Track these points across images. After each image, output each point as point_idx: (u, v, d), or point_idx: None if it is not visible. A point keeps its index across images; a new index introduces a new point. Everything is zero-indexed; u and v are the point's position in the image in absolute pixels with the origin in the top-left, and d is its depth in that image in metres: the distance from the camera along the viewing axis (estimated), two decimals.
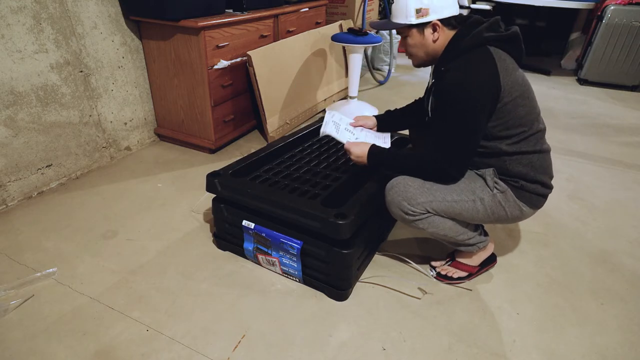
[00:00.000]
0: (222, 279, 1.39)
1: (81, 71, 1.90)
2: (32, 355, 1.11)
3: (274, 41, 2.45)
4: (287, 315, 1.25)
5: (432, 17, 1.15)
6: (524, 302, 1.32)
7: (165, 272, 1.41)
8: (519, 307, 1.30)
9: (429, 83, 1.32)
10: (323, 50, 2.79)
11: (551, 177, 1.23)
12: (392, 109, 1.57)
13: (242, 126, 2.41)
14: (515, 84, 1.11)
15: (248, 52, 2.12)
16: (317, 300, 1.31)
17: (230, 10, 2.20)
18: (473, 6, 4.17)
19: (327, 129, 1.42)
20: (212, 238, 1.58)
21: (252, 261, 1.46)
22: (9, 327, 1.19)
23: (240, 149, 2.32)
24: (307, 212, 1.21)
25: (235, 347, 1.14)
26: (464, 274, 1.38)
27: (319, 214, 1.19)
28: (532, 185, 1.19)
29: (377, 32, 3.59)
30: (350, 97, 2.78)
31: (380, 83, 3.49)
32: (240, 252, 1.46)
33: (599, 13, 3.47)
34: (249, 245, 1.40)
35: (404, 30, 1.22)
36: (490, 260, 1.42)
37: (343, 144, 1.37)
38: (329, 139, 1.76)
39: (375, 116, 1.55)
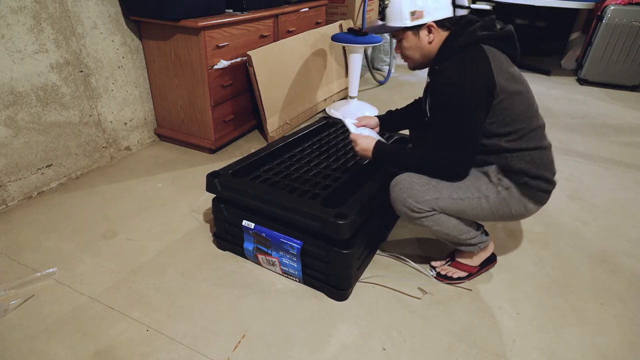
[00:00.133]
0: (222, 279, 1.39)
1: (81, 71, 1.90)
2: (32, 355, 1.11)
3: (274, 41, 2.45)
4: (287, 315, 1.25)
5: (427, 19, 1.16)
6: (524, 302, 1.32)
7: (165, 272, 1.41)
8: (519, 307, 1.30)
9: (426, 83, 1.32)
10: (323, 50, 2.79)
11: (553, 173, 1.23)
12: (393, 109, 1.57)
13: (242, 126, 2.41)
14: (510, 81, 1.12)
15: (248, 52, 2.12)
16: (317, 300, 1.31)
17: (230, 10, 2.20)
18: (473, 6, 4.17)
19: (344, 117, 1.46)
20: (212, 238, 1.58)
21: (252, 261, 1.46)
22: (9, 327, 1.19)
23: (240, 149, 2.32)
24: (307, 212, 1.21)
25: (235, 347, 1.14)
26: (464, 274, 1.38)
27: (319, 214, 1.19)
28: (535, 182, 1.18)
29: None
30: (350, 97, 2.78)
31: (380, 83, 3.49)
32: (240, 252, 1.46)
33: (599, 13, 3.47)
34: (249, 245, 1.40)
35: (399, 33, 1.23)
36: (490, 261, 1.42)
37: (349, 136, 1.38)
38: (329, 138, 1.76)
39: (377, 116, 1.55)
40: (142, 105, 2.25)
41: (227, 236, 1.47)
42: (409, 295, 1.33)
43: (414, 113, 1.50)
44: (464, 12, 3.85)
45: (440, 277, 1.39)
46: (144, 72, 2.20)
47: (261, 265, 1.44)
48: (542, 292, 1.36)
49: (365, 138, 1.32)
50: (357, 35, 2.48)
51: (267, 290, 1.34)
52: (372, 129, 1.53)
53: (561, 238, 1.63)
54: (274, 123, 2.37)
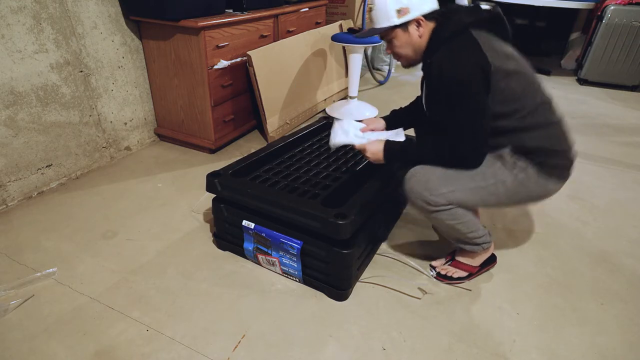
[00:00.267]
0: (222, 279, 1.39)
1: (81, 71, 1.90)
2: (32, 355, 1.11)
3: (274, 41, 2.45)
4: (287, 315, 1.25)
5: (414, 14, 1.17)
6: (524, 302, 1.32)
7: (165, 272, 1.41)
8: (519, 307, 1.30)
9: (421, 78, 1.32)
10: (323, 50, 2.79)
11: (570, 146, 1.20)
12: (396, 108, 1.56)
13: (242, 126, 2.41)
14: (505, 60, 1.11)
15: (248, 52, 2.12)
16: (317, 300, 1.31)
17: (230, 10, 2.20)
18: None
19: (336, 139, 1.40)
20: (212, 238, 1.58)
21: (252, 261, 1.46)
22: (9, 327, 1.19)
23: (240, 149, 2.32)
24: (307, 212, 1.21)
25: (235, 347, 1.14)
26: (464, 273, 1.38)
27: (319, 214, 1.19)
28: (552, 158, 1.16)
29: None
30: (350, 97, 2.78)
31: (380, 83, 3.49)
32: (240, 252, 1.46)
33: (599, 13, 3.47)
34: (249, 245, 1.40)
35: (388, 33, 1.22)
36: (490, 261, 1.42)
37: (355, 148, 1.36)
38: (328, 138, 1.75)
39: (383, 117, 1.54)
40: (142, 105, 2.25)
41: (227, 236, 1.47)
42: (409, 295, 1.33)
43: (418, 110, 1.49)
44: None
45: (440, 277, 1.39)
46: (144, 72, 2.20)
47: (261, 265, 1.44)
48: (542, 292, 1.36)
49: (372, 143, 1.30)
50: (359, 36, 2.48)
51: (267, 290, 1.34)
52: (380, 131, 1.50)
53: (561, 238, 1.63)
54: (274, 123, 2.37)
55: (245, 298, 1.31)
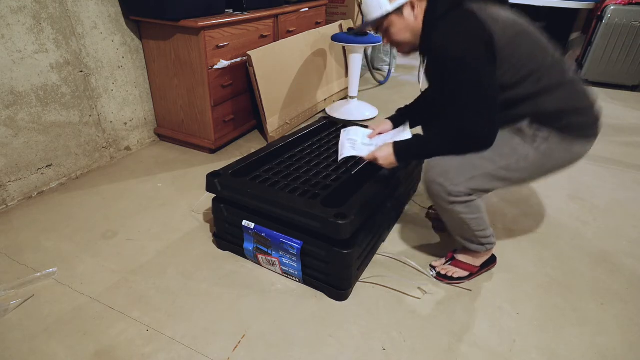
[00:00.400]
0: (222, 279, 1.39)
1: (81, 71, 1.90)
2: (32, 355, 1.11)
3: (274, 41, 2.45)
4: (287, 315, 1.25)
5: None
6: (524, 302, 1.32)
7: (165, 272, 1.41)
8: (519, 307, 1.30)
9: (420, 62, 1.28)
10: (323, 50, 2.79)
11: (592, 101, 1.14)
12: (401, 106, 1.53)
13: (242, 126, 2.41)
14: (507, 25, 1.08)
15: (248, 52, 2.12)
16: (317, 300, 1.31)
17: (230, 10, 2.20)
18: None
19: (344, 151, 1.38)
20: (212, 238, 1.58)
21: (252, 261, 1.46)
22: (9, 327, 1.19)
23: (240, 149, 2.32)
24: (307, 212, 1.21)
25: (235, 347, 1.14)
26: (464, 273, 1.38)
27: (319, 214, 1.19)
28: (575, 118, 1.11)
29: (376, 33, 3.59)
30: (350, 97, 2.78)
31: (380, 83, 3.49)
32: (240, 252, 1.46)
33: (599, 13, 3.47)
34: (249, 245, 1.40)
35: (383, 22, 1.19)
36: (491, 261, 1.42)
37: (365, 159, 1.33)
38: (329, 138, 1.76)
39: (389, 118, 1.51)
40: (142, 105, 2.25)
41: (227, 236, 1.48)
42: (409, 295, 1.33)
43: (425, 105, 1.46)
44: None
45: (440, 277, 1.39)
46: (144, 72, 2.20)
47: (261, 265, 1.44)
48: (542, 292, 1.36)
49: (380, 149, 1.26)
50: (357, 35, 2.48)
51: (267, 290, 1.34)
52: (387, 131, 1.48)
53: (561, 238, 1.63)
54: (274, 123, 2.37)
55: (245, 298, 1.31)
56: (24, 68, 1.67)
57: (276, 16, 2.43)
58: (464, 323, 1.24)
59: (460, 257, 1.39)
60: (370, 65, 3.47)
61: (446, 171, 1.15)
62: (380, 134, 1.48)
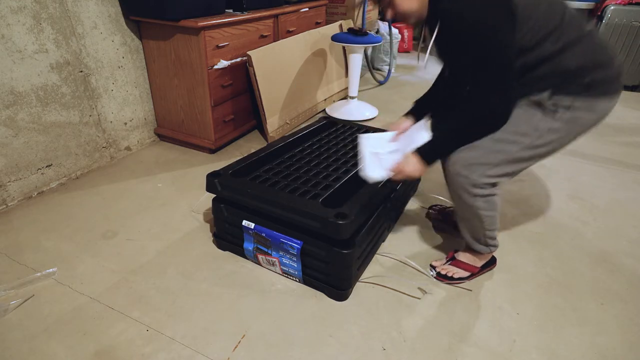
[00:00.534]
0: (222, 279, 1.39)
1: (81, 71, 1.90)
2: (32, 355, 1.11)
3: (274, 41, 2.45)
4: (287, 315, 1.25)
5: None
6: (524, 302, 1.32)
7: (165, 272, 1.41)
8: (519, 307, 1.30)
9: (422, 37, 1.23)
10: (323, 50, 2.79)
11: (613, 55, 1.10)
12: (417, 97, 1.48)
13: (242, 126, 2.41)
14: None
15: (248, 52, 2.12)
16: (317, 300, 1.31)
17: (230, 10, 2.20)
18: None
19: (370, 171, 1.27)
20: (212, 238, 1.58)
21: (252, 261, 1.46)
22: (9, 327, 1.19)
23: (240, 149, 2.32)
24: (307, 212, 1.21)
25: (235, 347, 1.14)
26: (465, 273, 1.38)
27: (319, 214, 1.19)
28: (597, 73, 1.07)
29: (376, 32, 3.59)
30: (350, 97, 2.78)
31: (380, 83, 3.49)
32: (240, 252, 1.46)
33: (599, 13, 3.47)
34: (249, 245, 1.40)
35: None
36: (491, 263, 1.42)
37: (393, 180, 1.26)
38: (329, 138, 1.76)
39: (409, 113, 1.44)
40: (142, 105, 2.25)
41: (227, 236, 1.48)
42: (409, 295, 1.33)
43: (441, 88, 1.40)
44: None
45: (441, 277, 1.39)
46: (144, 72, 2.20)
47: (261, 265, 1.44)
48: (542, 292, 1.36)
49: (403, 164, 1.18)
50: (357, 35, 2.48)
51: (267, 290, 1.34)
52: (405, 130, 1.41)
53: (561, 238, 1.63)
54: (274, 123, 2.37)
55: (245, 298, 1.31)
56: (24, 68, 1.67)
57: (276, 16, 2.43)
58: (464, 323, 1.24)
59: (462, 257, 1.39)
60: (370, 65, 3.47)
61: (470, 163, 1.12)
62: (401, 133, 1.40)
